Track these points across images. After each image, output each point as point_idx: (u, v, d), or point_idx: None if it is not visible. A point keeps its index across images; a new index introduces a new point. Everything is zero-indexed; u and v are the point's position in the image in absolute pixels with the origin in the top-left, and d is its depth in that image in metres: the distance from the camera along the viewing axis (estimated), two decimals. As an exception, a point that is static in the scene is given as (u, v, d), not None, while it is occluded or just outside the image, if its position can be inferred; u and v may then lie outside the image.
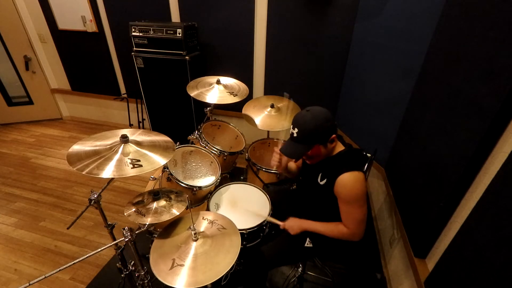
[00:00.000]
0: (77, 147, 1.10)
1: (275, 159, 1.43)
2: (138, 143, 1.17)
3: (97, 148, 1.11)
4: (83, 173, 0.98)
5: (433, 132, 1.38)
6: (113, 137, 1.19)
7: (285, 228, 1.34)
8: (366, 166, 1.56)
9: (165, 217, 1.17)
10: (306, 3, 2.32)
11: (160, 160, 1.12)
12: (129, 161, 1.07)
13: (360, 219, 1.16)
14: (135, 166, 1.06)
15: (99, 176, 0.98)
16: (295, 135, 1.16)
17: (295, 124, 1.16)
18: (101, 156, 1.07)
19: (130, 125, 3.51)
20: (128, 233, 1.14)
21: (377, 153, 1.76)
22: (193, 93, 1.88)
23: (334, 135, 1.17)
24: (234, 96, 1.92)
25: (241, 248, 1.14)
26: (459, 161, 1.09)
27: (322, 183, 1.24)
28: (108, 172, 1.00)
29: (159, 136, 1.31)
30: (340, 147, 1.25)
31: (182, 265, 1.04)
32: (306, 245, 1.34)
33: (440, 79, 1.39)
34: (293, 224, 1.32)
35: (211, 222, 1.25)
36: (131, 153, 1.11)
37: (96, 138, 1.18)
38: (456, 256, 1.03)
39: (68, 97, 3.72)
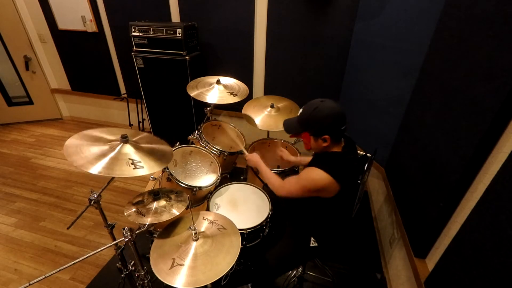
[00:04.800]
0: (74, 141, 1.10)
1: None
2: (137, 147, 1.16)
3: (95, 143, 1.11)
4: (74, 165, 0.98)
5: (433, 132, 1.38)
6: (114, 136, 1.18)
7: (247, 159, 1.58)
8: (366, 167, 1.56)
9: (165, 217, 1.17)
10: (306, 3, 2.32)
11: (153, 167, 1.11)
12: (130, 161, 1.07)
13: (291, 191, 1.25)
14: (137, 167, 1.06)
15: (89, 171, 0.98)
16: (298, 113, 1.26)
17: (304, 105, 1.24)
18: (97, 153, 1.06)
19: (130, 125, 3.51)
20: (128, 233, 1.14)
21: (377, 153, 1.76)
22: (193, 93, 1.88)
23: (327, 136, 1.17)
24: (234, 96, 1.92)
25: (241, 248, 1.14)
26: (459, 161, 1.09)
27: None
28: (97, 168, 0.99)
29: (159, 143, 1.29)
30: (334, 149, 1.23)
31: (182, 265, 1.04)
32: (311, 245, 1.35)
33: (440, 79, 1.39)
34: (253, 159, 1.53)
35: (211, 222, 1.25)
36: (128, 154, 1.11)
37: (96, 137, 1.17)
38: (456, 256, 1.03)
39: (68, 97, 3.72)
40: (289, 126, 1.30)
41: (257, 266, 1.44)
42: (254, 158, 1.54)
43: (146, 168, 1.08)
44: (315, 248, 1.35)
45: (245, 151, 1.75)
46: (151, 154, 1.17)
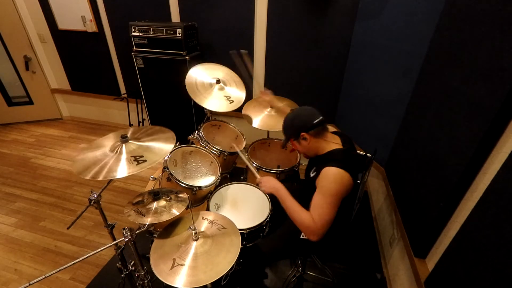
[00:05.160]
0: (80, 157, 1.14)
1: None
2: (138, 140, 1.19)
3: (100, 153, 1.14)
4: (99, 179, 1.03)
5: (433, 132, 1.38)
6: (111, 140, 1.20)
7: (260, 182, 1.38)
8: (367, 169, 1.55)
9: (165, 217, 1.17)
10: (306, 3, 2.32)
11: (164, 147, 1.17)
12: (132, 158, 1.09)
13: (328, 218, 1.11)
14: (140, 162, 1.07)
15: (116, 178, 1.03)
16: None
17: None
18: (108, 160, 1.10)
19: (130, 125, 3.51)
20: (128, 233, 1.14)
21: (377, 153, 1.76)
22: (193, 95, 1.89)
23: (303, 133, 1.25)
24: (230, 103, 1.93)
25: (241, 248, 1.14)
26: (459, 161, 1.09)
27: (312, 175, 1.30)
28: (122, 172, 1.04)
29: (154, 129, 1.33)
30: (332, 146, 1.27)
31: (182, 265, 1.04)
32: (301, 236, 1.35)
33: (440, 79, 1.39)
34: (269, 182, 1.33)
35: (211, 222, 1.25)
36: (134, 150, 1.15)
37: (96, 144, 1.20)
38: (456, 256, 1.03)
39: (68, 97, 3.72)
40: (282, 142, 1.45)
41: (249, 255, 1.44)
42: (271, 183, 1.31)
43: (152, 156, 1.12)
44: (305, 241, 1.34)
45: (255, 173, 1.48)
46: (155, 142, 1.21)
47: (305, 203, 1.42)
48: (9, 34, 3.19)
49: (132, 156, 1.10)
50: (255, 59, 2.69)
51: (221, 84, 1.99)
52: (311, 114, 1.26)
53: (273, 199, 1.63)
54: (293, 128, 1.30)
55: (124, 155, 1.12)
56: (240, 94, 2.03)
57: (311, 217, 1.13)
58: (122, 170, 1.05)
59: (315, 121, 1.24)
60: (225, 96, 1.95)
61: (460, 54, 1.24)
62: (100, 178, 1.00)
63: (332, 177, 1.14)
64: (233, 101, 1.94)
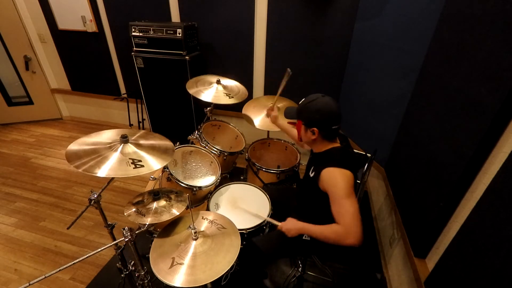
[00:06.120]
0: (75, 147, 1.11)
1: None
2: (137, 145, 1.18)
3: (96, 147, 1.12)
4: (80, 170, 0.98)
5: (433, 132, 1.38)
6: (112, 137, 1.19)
7: (282, 230, 1.30)
8: (366, 167, 1.56)
9: (165, 217, 1.17)
10: (306, 3, 2.32)
11: (157, 163, 1.13)
12: (130, 161, 1.08)
13: (352, 211, 1.08)
14: (137, 166, 1.06)
15: (96, 175, 0.99)
16: (299, 102, 1.31)
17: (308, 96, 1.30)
18: (100, 155, 1.07)
19: (130, 125, 3.51)
20: (128, 233, 1.14)
21: (377, 153, 1.76)
22: (192, 91, 1.89)
23: (316, 129, 1.21)
24: (230, 98, 1.93)
25: (241, 248, 1.14)
26: (459, 161, 1.09)
27: (311, 175, 1.29)
28: (104, 171, 1.01)
29: (158, 139, 1.31)
30: (331, 145, 1.27)
31: (181, 264, 1.04)
32: (304, 237, 1.34)
33: (440, 79, 1.39)
34: (291, 227, 1.27)
35: (211, 222, 1.26)
36: (130, 153, 1.12)
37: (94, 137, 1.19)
38: (456, 256, 1.03)
39: (68, 97, 3.72)
40: (288, 112, 1.38)
41: (250, 251, 1.42)
42: (292, 225, 1.27)
43: (148, 166, 1.09)
44: (306, 242, 1.35)
45: (276, 221, 1.37)
46: (153, 151, 1.18)
47: (305, 201, 1.42)
48: (9, 34, 3.18)
49: (130, 158, 1.09)
50: (255, 59, 2.70)
51: (222, 84, 1.99)
52: (334, 117, 1.21)
53: (273, 199, 1.64)
54: (310, 117, 1.22)
55: (119, 155, 1.10)
56: (242, 91, 2.04)
57: (341, 226, 1.10)
58: (117, 170, 1.04)
59: (333, 127, 1.21)
60: (224, 92, 1.96)
61: (460, 54, 1.24)
62: (81, 170, 0.99)
63: (336, 178, 1.14)
64: (232, 97, 1.94)
